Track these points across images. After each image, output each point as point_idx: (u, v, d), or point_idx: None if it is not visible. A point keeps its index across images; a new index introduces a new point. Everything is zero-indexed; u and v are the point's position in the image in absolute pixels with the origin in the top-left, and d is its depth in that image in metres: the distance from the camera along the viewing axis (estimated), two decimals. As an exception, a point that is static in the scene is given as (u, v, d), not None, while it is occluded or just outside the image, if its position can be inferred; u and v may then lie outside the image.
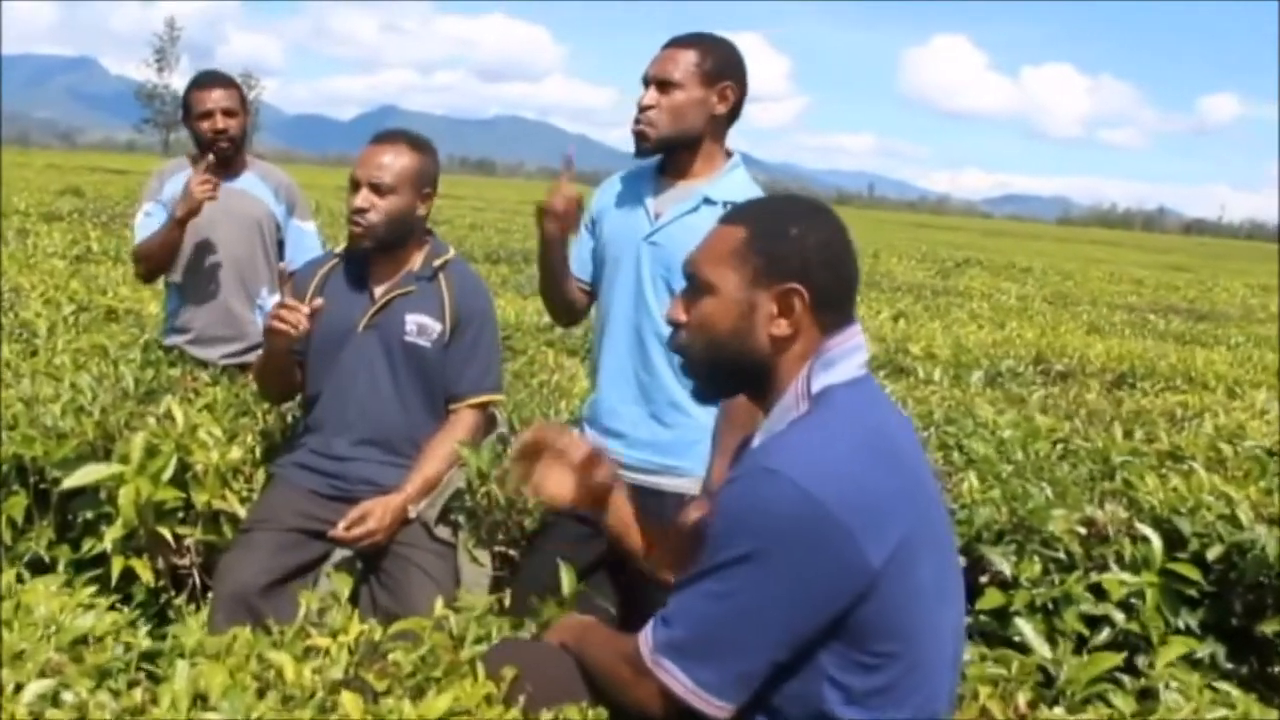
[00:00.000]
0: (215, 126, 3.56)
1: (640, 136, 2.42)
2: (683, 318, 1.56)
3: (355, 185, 2.66)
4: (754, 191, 2.41)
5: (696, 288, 1.55)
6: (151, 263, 3.62)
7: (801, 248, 1.50)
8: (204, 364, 3.58)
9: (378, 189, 2.65)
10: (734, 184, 2.47)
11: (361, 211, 2.64)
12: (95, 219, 12.01)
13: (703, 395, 1.60)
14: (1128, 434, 3.41)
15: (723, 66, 2.43)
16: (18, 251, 7.72)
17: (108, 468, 2.44)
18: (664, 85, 2.39)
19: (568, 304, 2.62)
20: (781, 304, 1.49)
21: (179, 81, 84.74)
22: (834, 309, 1.50)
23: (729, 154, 2.51)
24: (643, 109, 2.41)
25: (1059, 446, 3.24)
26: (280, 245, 3.80)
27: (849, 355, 1.49)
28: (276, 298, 3.72)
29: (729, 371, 1.52)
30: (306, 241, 3.83)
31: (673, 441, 2.43)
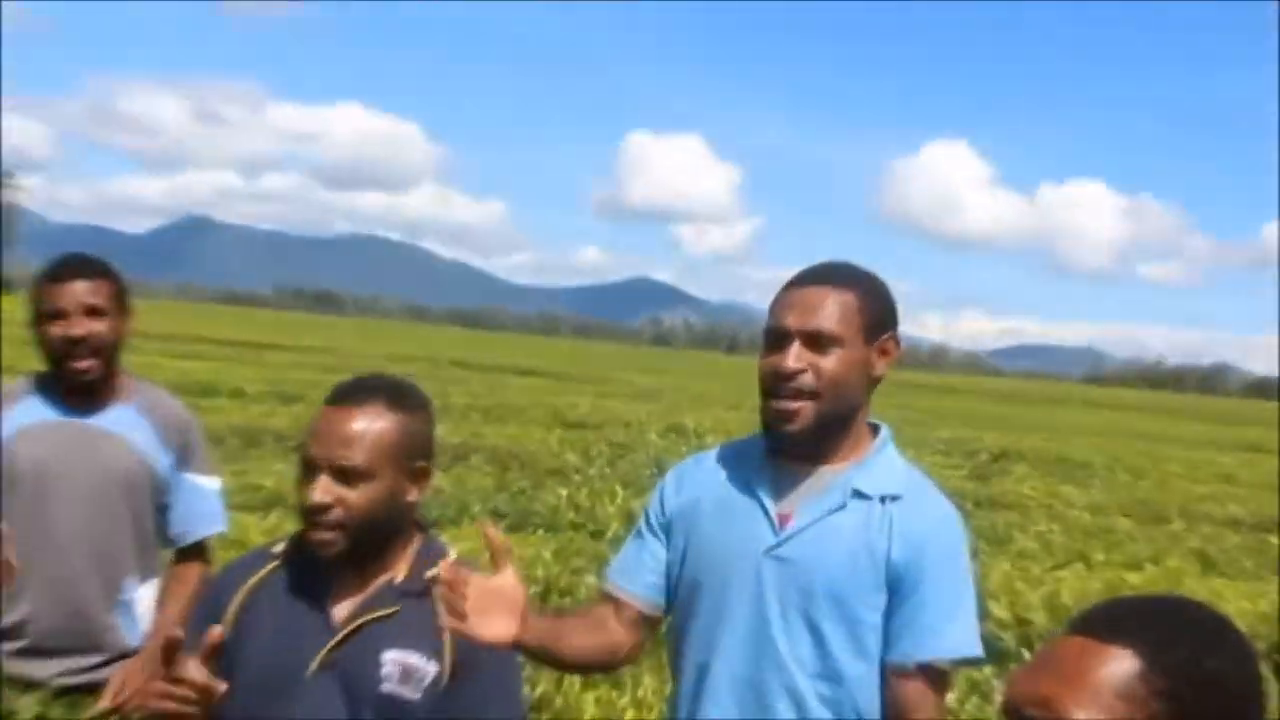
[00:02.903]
0: (70, 333, 3.40)
1: (786, 418, 2.47)
2: None
3: (310, 467, 2.52)
4: (917, 480, 2.53)
5: None
6: None
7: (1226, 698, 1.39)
8: (30, 686, 3.44)
9: (345, 474, 2.51)
10: (888, 469, 2.56)
11: (322, 510, 2.49)
12: None
13: None
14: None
15: (885, 313, 2.55)
16: None
17: None
18: (817, 341, 2.46)
19: (590, 656, 2.66)
20: None
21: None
22: None
23: (874, 426, 2.62)
24: (786, 376, 2.45)
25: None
26: (164, 512, 3.64)
27: None
28: (149, 591, 3.52)
29: None
30: (204, 506, 3.70)
31: None
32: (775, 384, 2.49)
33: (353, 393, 2.60)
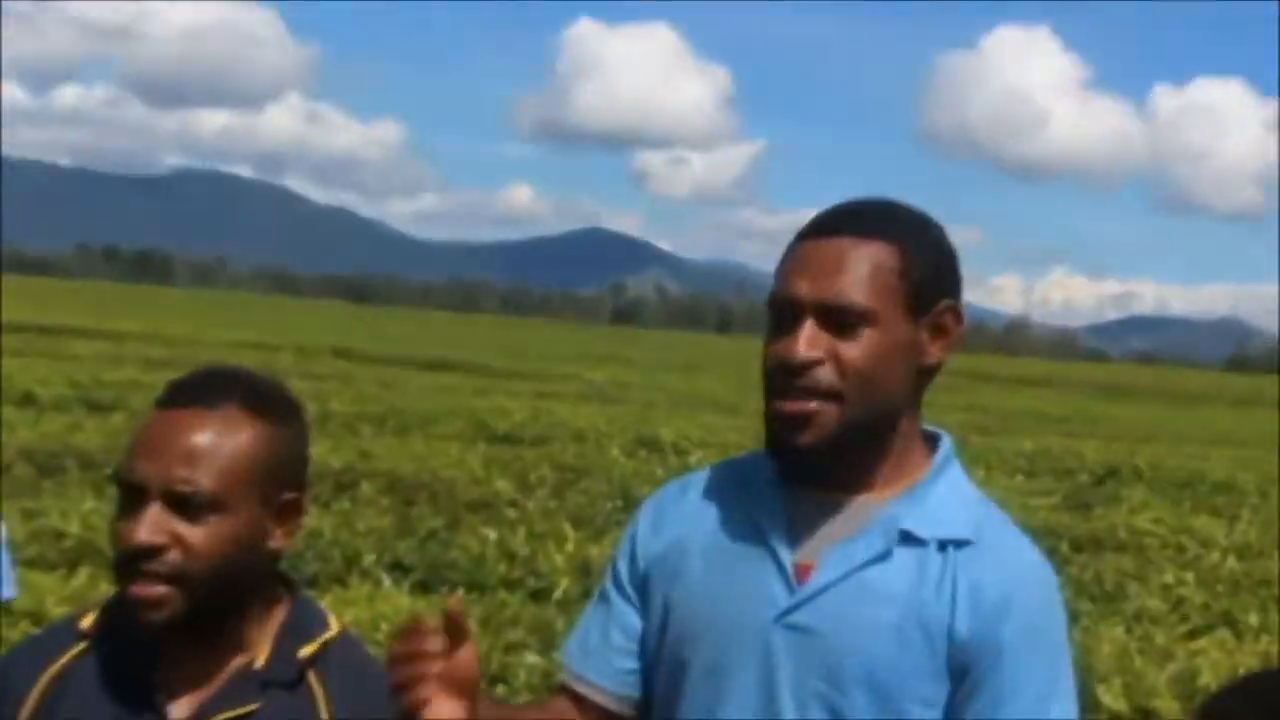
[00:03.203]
0: None
1: (794, 426, 2.48)
2: None
3: (134, 494, 2.52)
4: (994, 517, 2.55)
5: None
6: None
7: None
8: None
9: (185, 505, 2.51)
10: (951, 500, 2.57)
11: (150, 554, 2.49)
12: None
13: None
14: None
15: (941, 274, 2.57)
16: None
17: None
18: (839, 318, 2.47)
19: None
20: None
21: None
22: None
23: (930, 436, 2.64)
24: (795, 369, 2.48)
25: None
26: None
27: None
28: None
29: None
30: None
31: None
32: (781, 380, 2.49)
33: (197, 392, 2.58)
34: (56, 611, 6.09)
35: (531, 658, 6.98)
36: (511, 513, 12.47)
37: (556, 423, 21.70)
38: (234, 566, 2.54)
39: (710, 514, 2.63)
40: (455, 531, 11.29)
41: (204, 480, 2.49)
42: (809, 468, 2.51)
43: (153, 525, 2.48)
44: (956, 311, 2.54)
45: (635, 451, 18.61)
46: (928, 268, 2.51)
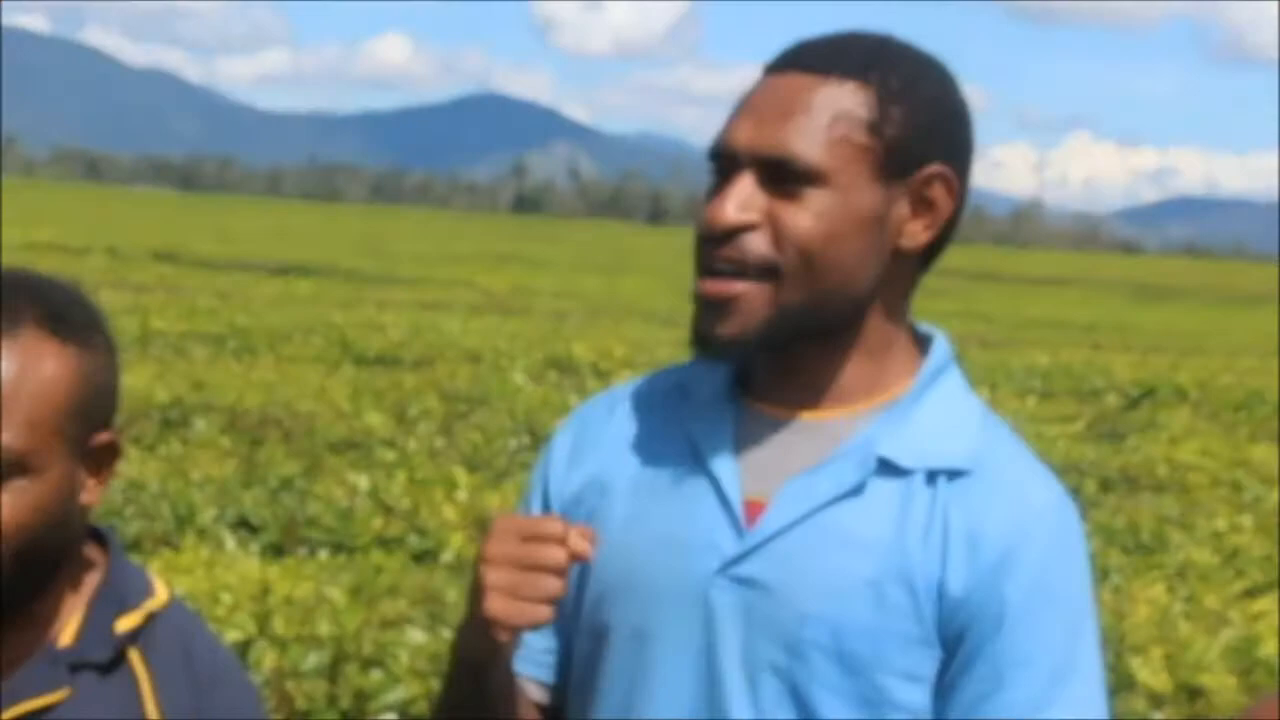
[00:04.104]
0: None
1: (723, 307, 2.48)
2: None
3: None
4: (1000, 440, 2.56)
5: None
6: None
7: None
8: None
9: None
10: (944, 420, 2.57)
11: None
12: None
13: None
14: None
15: (931, 126, 2.53)
16: None
17: None
18: (781, 174, 2.46)
19: None
20: None
21: None
22: None
23: (918, 336, 2.66)
24: (718, 234, 2.47)
25: None
26: None
27: None
28: None
29: None
30: None
31: None
32: (705, 251, 2.49)
33: None
34: None
35: (417, 635, 6.96)
36: (388, 455, 12.49)
37: (444, 341, 21.71)
38: (43, 537, 2.57)
39: (640, 438, 2.65)
40: (316, 479, 11.30)
41: (6, 437, 2.52)
42: (725, 362, 2.54)
43: None
44: (948, 181, 2.50)
45: (543, 375, 18.64)
46: (912, 121, 2.48)
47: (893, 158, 2.46)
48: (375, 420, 13.98)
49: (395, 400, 15.15)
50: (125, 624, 2.67)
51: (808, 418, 2.53)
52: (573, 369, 19.37)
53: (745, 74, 2.62)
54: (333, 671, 6.52)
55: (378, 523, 10.02)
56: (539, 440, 13.54)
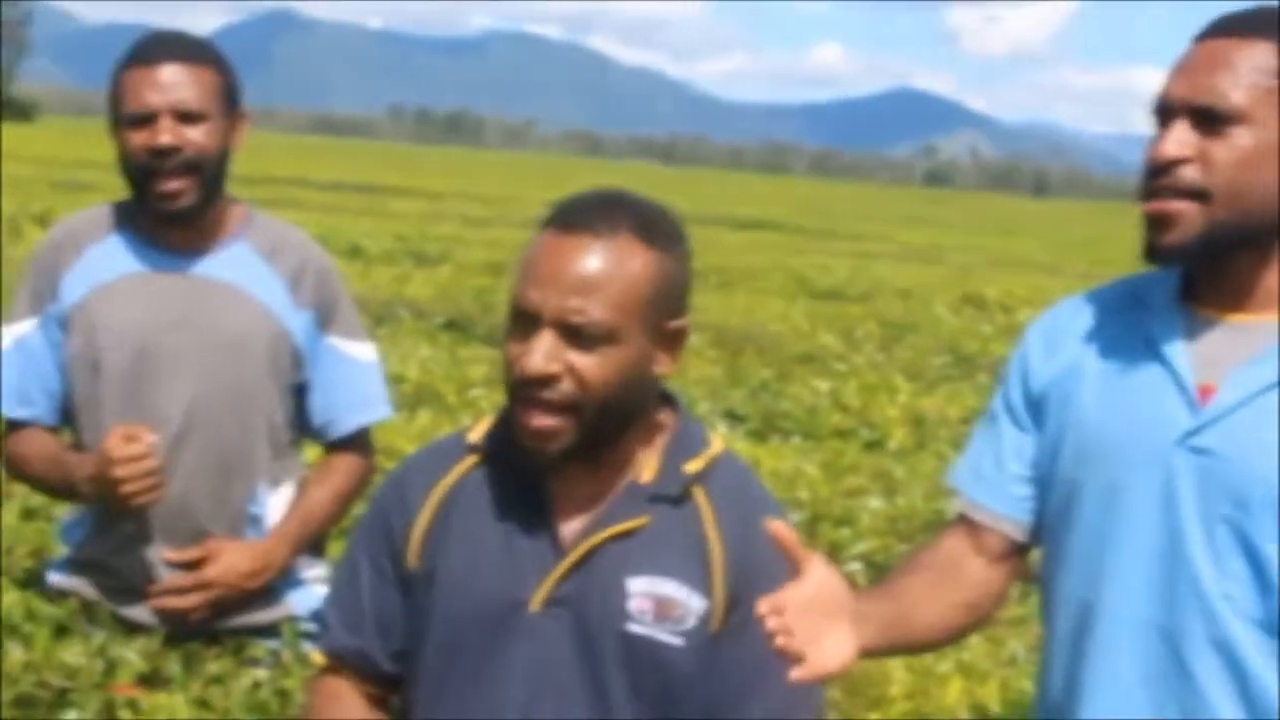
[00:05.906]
0: (156, 143, 3.48)
1: (1165, 222, 2.49)
2: None
3: (525, 320, 2.61)
4: None
5: None
6: (30, 483, 3.92)
7: None
8: (132, 628, 3.61)
9: (578, 334, 2.59)
10: None
11: (545, 382, 2.59)
12: None
13: None
14: None
15: None
16: None
17: None
18: (1209, 118, 2.47)
19: (950, 628, 2.73)
20: None
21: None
22: None
23: None
24: (1163, 165, 2.48)
25: None
26: (301, 393, 3.75)
27: None
28: (284, 499, 3.73)
29: None
30: (359, 384, 3.80)
31: None
32: (1148, 180, 2.50)
33: (588, 218, 2.62)
34: (405, 448, 6.24)
35: (875, 502, 7.00)
36: (840, 366, 12.52)
37: (879, 280, 21.67)
38: (624, 395, 2.63)
39: (1105, 334, 2.64)
40: (785, 383, 11.38)
41: (597, 311, 2.56)
42: (1170, 264, 2.53)
43: (547, 354, 2.56)
44: None
45: (961, 309, 18.49)
46: None
47: None
48: (827, 340, 14.01)
49: (842, 325, 15.15)
50: (693, 466, 2.71)
51: (1238, 319, 2.51)
52: (984, 305, 19.14)
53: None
54: (810, 529, 6.58)
55: (836, 418, 10.08)
56: (961, 360, 13.56)
